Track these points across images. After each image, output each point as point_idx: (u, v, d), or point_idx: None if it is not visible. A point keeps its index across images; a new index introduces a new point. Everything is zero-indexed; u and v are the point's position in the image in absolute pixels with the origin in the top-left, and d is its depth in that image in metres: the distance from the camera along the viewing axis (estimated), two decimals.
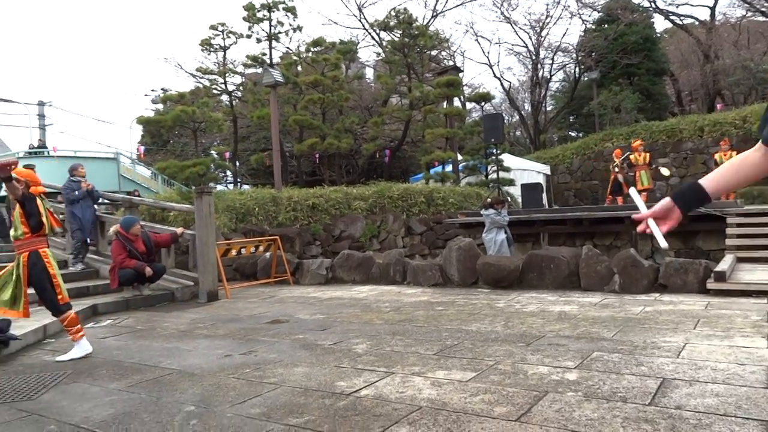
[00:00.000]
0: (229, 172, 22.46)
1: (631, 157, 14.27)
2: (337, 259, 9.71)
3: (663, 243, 1.71)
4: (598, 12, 27.97)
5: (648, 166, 13.94)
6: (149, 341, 5.49)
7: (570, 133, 32.10)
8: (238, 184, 24.44)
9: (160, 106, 25.01)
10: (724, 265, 7.05)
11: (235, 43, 22.09)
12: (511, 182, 16.44)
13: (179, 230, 8.49)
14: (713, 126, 18.81)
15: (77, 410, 3.49)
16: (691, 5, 27.15)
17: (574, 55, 28.14)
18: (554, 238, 11.54)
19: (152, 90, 31.22)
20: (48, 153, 23.48)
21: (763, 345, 4.18)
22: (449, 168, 17.97)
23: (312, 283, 9.55)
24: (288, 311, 6.81)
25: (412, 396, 3.41)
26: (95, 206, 9.64)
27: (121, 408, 3.48)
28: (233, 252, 9.41)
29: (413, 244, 12.87)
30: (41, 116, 30.27)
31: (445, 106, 18.94)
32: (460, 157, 18.21)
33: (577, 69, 28.72)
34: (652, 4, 26.71)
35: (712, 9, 26.44)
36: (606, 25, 27.11)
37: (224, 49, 22.07)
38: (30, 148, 24.94)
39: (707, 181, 1.59)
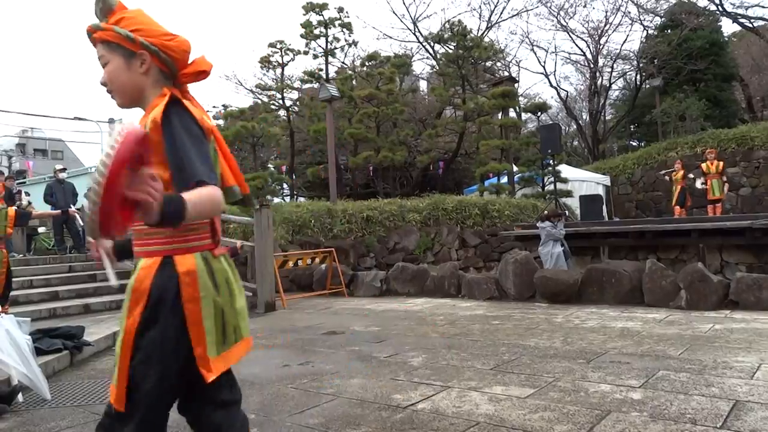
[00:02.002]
0: (285, 185, 22.95)
1: (703, 165, 13.64)
2: (391, 272, 9.74)
3: (113, 281, 1.62)
4: (661, 17, 27.01)
5: (721, 175, 13.25)
6: None
7: (631, 142, 31.02)
8: (295, 197, 24.94)
9: (222, 122, 25.95)
10: None
11: (293, 59, 22.70)
12: (568, 194, 16.03)
13: (238, 243, 8.74)
14: None
15: None
16: (762, 7, 25.83)
17: (635, 62, 27.24)
18: (615, 251, 11.14)
19: (214, 106, 32.36)
20: None
21: None
22: (504, 180, 17.72)
23: (366, 295, 9.61)
24: (343, 323, 6.88)
25: (470, 411, 3.38)
26: None
27: None
28: (290, 264, 9.61)
29: (468, 256, 12.74)
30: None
31: (500, 117, 18.74)
32: (515, 169, 17.94)
33: (638, 76, 27.78)
34: (719, 7, 25.53)
35: None
36: (669, 31, 26.14)
37: (282, 65, 22.70)
38: None
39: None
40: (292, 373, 4.51)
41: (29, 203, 12.77)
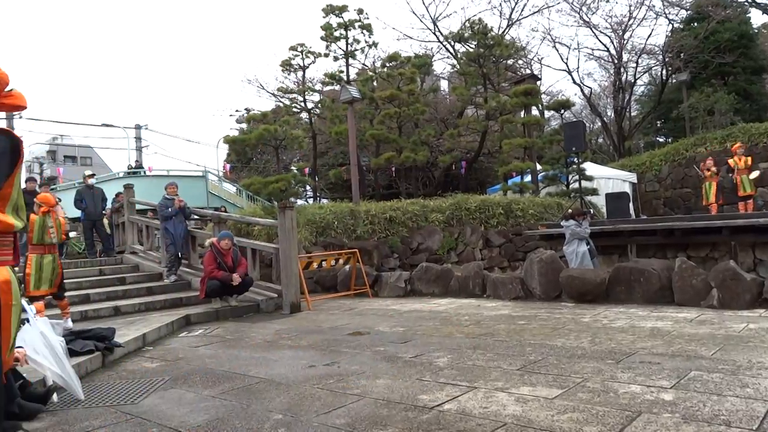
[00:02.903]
0: (308, 187, 23.10)
1: (730, 161, 13.31)
2: (415, 272, 9.73)
3: None
4: (686, 10, 26.44)
5: (749, 171, 12.90)
6: (238, 350, 5.74)
7: (658, 138, 30.46)
8: (318, 198, 25.10)
9: (244, 126, 26.26)
10: None
11: (314, 62, 22.84)
12: (594, 192, 15.79)
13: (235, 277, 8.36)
14: None
15: (175, 414, 3.70)
16: None
17: (661, 57, 26.70)
18: (643, 249, 10.93)
19: (236, 110, 32.76)
20: (144, 172, 25.23)
21: None
22: (528, 178, 17.54)
23: (390, 295, 9.62)
24: (368, 323, 6.89)
25: (496, 412, 3.35)
26: (186, 222, 10.25)
27: (215, 414, 3.66)
28: (314, 265, 9.67)
29: (492, 256, 12.65)
30: (138, 138, 32.63)
31: (522, 116, 18.56)
32: (539, 167, 17.75)
33: (664, 71, 27.23)
34: None
35: None
36: (695, 24, 25.59)
37: (303, 68, 22.86)
38: (128, 169, 26.92)
39: None
40: (318, 373, 4.54)
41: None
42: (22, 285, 6.69)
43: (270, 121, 17.39)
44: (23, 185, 11.37)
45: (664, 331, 5.36)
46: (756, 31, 27.42)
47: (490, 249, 12.74)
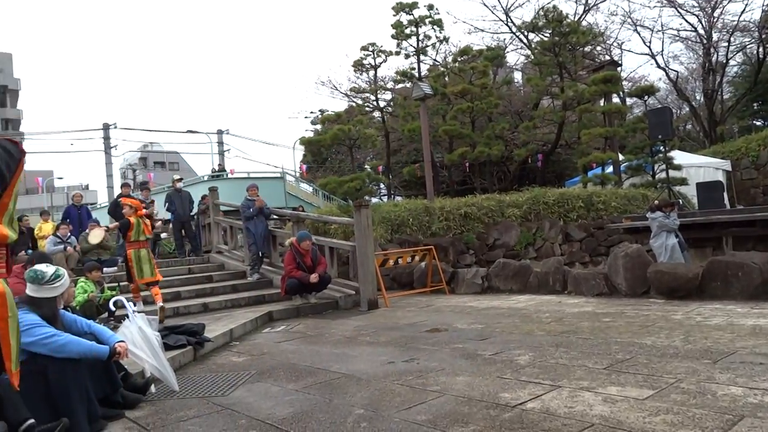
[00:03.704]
0: (382, 185, 23.28)
1: None
2: (492, 268, 9.57)
3: None
4: None
5: None
6: (319, 346, 5.89)
7: (754, 122, 28.25)
8: (392, 196, 25.26)
9: (319, 127, 26.86)
10: None
11: (385, 60, 22.99)
12: (683, 181, 14.88)
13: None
14: None
15: (262, 407, 3.85)
16: None
17: (756, 34, 24.69)
18: (740, 242, 10.17)
19: (311, 112, 33.55)
20: (227, 175, 26.40)
21: None
22: (609, 169, 16.78)
23: (467, 292, 9.52)
24: (445, 320, 6.86)
25: (583, 412, 3.23)
26: (267, 221, 10.62)
27: (299, 407, 3.78)
28: (390, 262, 9.73)
29: (572, 251, 12.21)
30: (220, 143, 34.24)
31: (602, 104, 17.78)
32: (621, 158, 16.95)
33: (761, 49, 25.17)
34: None
35: None
36: None
37: (375, 67, 23.06)
38: (212, 172, 28.26)
39: None
40: (397, 369, 4.57)
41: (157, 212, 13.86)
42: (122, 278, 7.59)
43: (343, 121, 17.69)
44: (119, 190, 12.23)
45: None
46: None
47: (571, 244, 12.31)
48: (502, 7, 25.11)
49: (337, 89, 27.63)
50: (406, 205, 12.77)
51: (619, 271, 7.70)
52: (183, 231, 13.05)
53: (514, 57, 29.30)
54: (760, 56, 25.37)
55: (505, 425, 3.12)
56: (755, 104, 28.33)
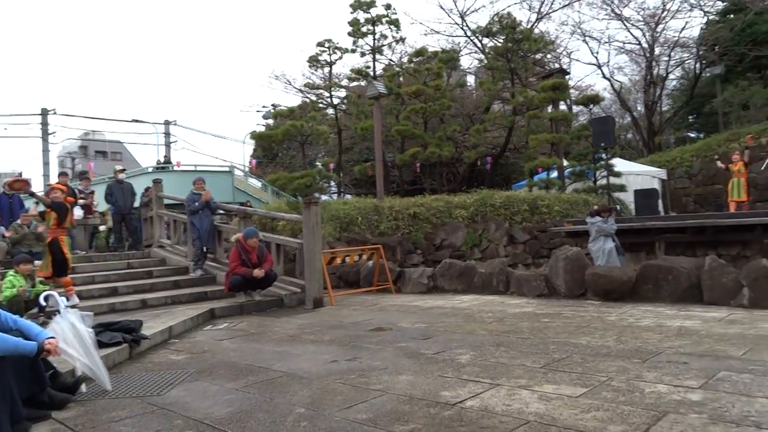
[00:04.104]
0: (333, 183, 23.19)
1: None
2: (438, 268, 9.69)
3: None
4: (723, 2, 25.69)
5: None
6: (261, 344, 5.80)
7: (689, 134, 29.72)
8: (342, 194, 25.18)
9: (271, 122, 26.46)
10: None
11: (341, 58, 22.86)
12: (622, 188, 15.50)
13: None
14: None
15: (200, 407, 3.76)
16: None
17: (694, 50, 26.03)
18: (671, 247, 10.70)
19: (264, 106, 33.06)
20: (172, 168, 25.64)
21: None
22: (554, 174, 17.31)
23: (413, 291, 9.60)
24: (390, 319, 6.90)
25: (519, 409, 3.32)
26: (213, 216, 10.38)
27: (238, 406, 3.71)
28: (337, 260, 9.70)
29: (516, 253, 12.52)
30: (167, 134, 33.17)
31: (550, 111, 18.31)
32: (566, 163, 17.50)
33: (697, 65, 26.54)
34: None
35: None
36: (732, 15, 24.86)
37: (330, 64, 22.90)
38: (157, 164, 27.40)
39: None
40: (340, 368, 4.56)
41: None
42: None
43: (296, 117, 17.50)
44: (56, 179, 11.69)
45: (693, 331, 5.24)
46: None
47: (515, 246, 12.62)
48: (458, 11, 25.47)
49: (290, 84, 27.31)
50: (356, 204, 12.78)
51: (559, 273, 7.95)
52: (123, 224, 12.60)
53: (468, 60, 29.76)
54: (697, 71, 26.75)
55: (445, 423, 3.17)
56: (690, 117, 29.81)
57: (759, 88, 21.98)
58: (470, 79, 30.50)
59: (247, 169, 30.67)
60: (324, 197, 19.46)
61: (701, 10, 26.05)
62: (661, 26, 25.68)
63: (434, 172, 21.65)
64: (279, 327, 6.80)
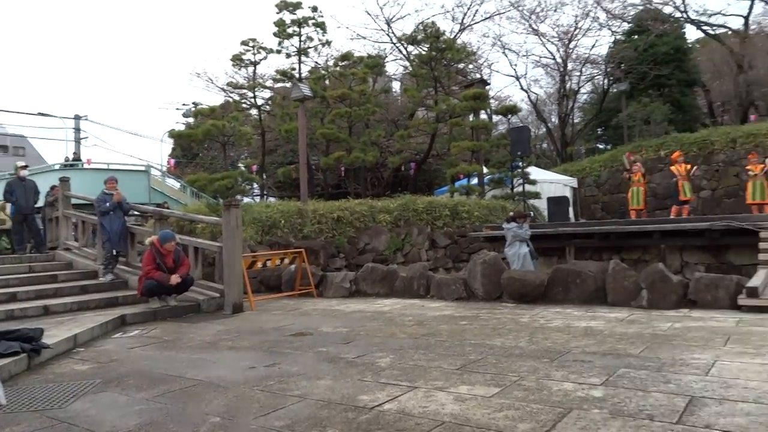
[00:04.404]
0: (256, 185, 22.74)
1: (672, 168, 13.95)
2: (360, 272, 9.74)
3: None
4: (628, 23, 27.63)
5: (688, 177, 13.52)
6: (176, 352, 5.58)
7: (598, 145, 31.66)
8: (265, 196, 24.73)
9: (191, 120, 25.58)
10: (756, 280, 6.84)
11: (265, 58, 22.47)
12: (536, 195, 16.28)
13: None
14: (746, 138, 18.33)
15: (106, 419, 3.57)
16: (724, 15, 26.46)
17: (603, 67, 27.81)
18: (580, 252, 11.37)
19: (184, 104, 31.86)
20: (82, 166, 24.18)
21: None
22: (475, 181, 17.89)
23: (336, 295, 9.59)
24: (312, 324, 6.85)
25: (435, 411, 3.40)
26: (125, 218, 9.88)
27: (148, 418, 3.55)
28: (259, 264, 9.51)
29: (437, 257, 12.82)
30: (77, 130, 31.20)
31: (471, 119, 18.91)
32: (485, 170, 18.12)
33: (605, 81, 28.39)
34: (684, 14, 26.26)
35: (746, 18, 25.86)
36: (636, 36, 26.79)
37: (254, 64, 22.47)
38: (65, 161, 25.72)
39: None
40: (259, 375, 4.47)
41: None
42: None
43: (218, 117, 17.03)
44: None
45: (597, 331, 5.59)
46: (690, 46, 28.97)
47: (436, 250, 12.91)
48: (384, 17, 25.79)
49: (213, 82, 26.52)
50: (279, 207, 12.60)
51: (477, 277, 8.22)
52: (25, 224, 11.73)
53: (394, 67, 30.18)
54: (605, 87, 28.58)
55: (362, 427, 3.19)
56: (599, 129, 31.77)
57: (659, 104, 23.81)
58: (395, 86, 30.96)
59: (164, 168, 29.47)
60: (246, 199, 19.03)
61: (609, 29, 27.95)
62: (573, 43, 27.29)
63: (359, 177, 21.75)
64: (195, 333, 6.57)
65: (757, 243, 8.90)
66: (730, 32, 26.82)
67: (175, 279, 7.76)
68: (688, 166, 13.80)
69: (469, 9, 26.57)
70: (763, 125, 19.26)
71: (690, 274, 9.07)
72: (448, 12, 26.47)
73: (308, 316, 7.60)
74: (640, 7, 26.54)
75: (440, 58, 21.22)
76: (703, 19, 26.19)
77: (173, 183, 26.84)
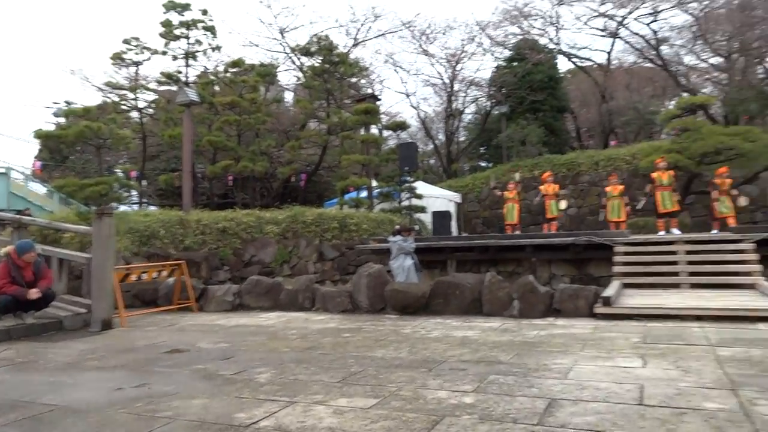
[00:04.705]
0: (134, 192, 21.37)
1: (541, 188, 15.04)
2: (244, 285, 9.46)
3: None
4: (509, 50, 29.65)
5: (556, 197, 14.65)
6: (30, 375, 5.06)
7: (480, 163, 33.45)
8: (145, 205, 23.30)
9: (63, 120, 23.52)
10: (610, 290, 7.58)
11: (149, 59, 21.39)
12: (422, 209, 16.83)
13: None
14: (607, 161, 20.37)
15: None
16: (590, 49, 29.52)
17: (486, 90, 29.58)
18: (462, 265, 11.93)
19: (54, 103, 29.28)
20: None
21: (639, 364, 4.54)
22: (364, 194, 18.16)
23: (218, 310, 9.23)
24: (189, 340, 6.53)
25: (313, 425, 3.38)
26: None
27: None
28: (133, 277, 8.91)
29: (325, 269, 12.81)
30: None
31: (362, 133, 19.21)
32: (375, 184, 18.45)
33: (488, 103, 30.19)
34: (557, 46, 28.75)
35: (609, 54, 28.89)
36: (515, 63, 28.74)
37: (137, 64, 21.28)
38: None
39: None
40: (126, 396, 4.18)
41: None
42: None
43: (94, 118, 15.81)
44: None
45: (473, 340, 5.87)
46: (562, 75, 31.63)
47: (324, 262, 12.90)
48: (277, 26, 25.54)
49: (89, 81, 24.67)
50: (159, 216, 11.95)
51: (362, 290, 8.32)
52: None
53: (287, 77, 30.05)
54: (488, 109, 30.38)
55: None
56: (482, 148, 33.62)
57: (534, 127, 25.67)
58: (288, 96, 30.71)
59: (29, 172, 26.78)
60: (123, 207, 17.80)
61: (492, 55, 29.85)
62: (460, 65, 28.80)
63: (247, 186, 21.23)
64: (55, 354, 6.00)
65: (612, 257, 9.89)
66: (595, 65, 29.75)
67: (34, 293, 7.06)
68: (557, 187, 15.00)
69: (362, 25, 27.17)
70: (621, 150, 21.52)
71: (557, 285, 9.83)
72: (342, 26, 26.87)
73: (186, 331, 7.24)
74: (520, 36, 28.65)
75: (333, 71, 21.42)
76: (573, 51, 28.90)
77: (38, 188, 24.48)
